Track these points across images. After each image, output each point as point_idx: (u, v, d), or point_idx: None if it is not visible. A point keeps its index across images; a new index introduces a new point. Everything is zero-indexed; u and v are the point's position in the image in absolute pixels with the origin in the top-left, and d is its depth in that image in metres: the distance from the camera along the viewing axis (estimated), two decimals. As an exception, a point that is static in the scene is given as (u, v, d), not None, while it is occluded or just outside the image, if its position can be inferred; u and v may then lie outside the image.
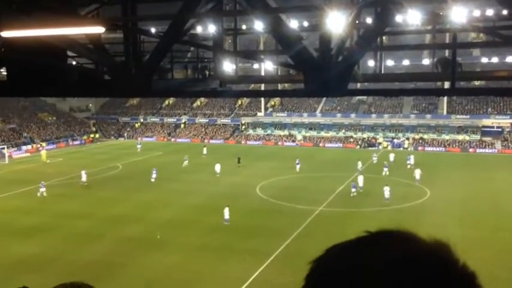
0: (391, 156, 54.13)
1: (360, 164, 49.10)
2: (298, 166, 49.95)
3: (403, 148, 66.91)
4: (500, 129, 68.08)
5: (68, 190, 42.24)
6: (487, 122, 69.20)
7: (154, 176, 45.68)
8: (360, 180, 40.90)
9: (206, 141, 76.70)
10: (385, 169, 47.57)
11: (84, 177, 44.77)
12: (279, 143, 74.17)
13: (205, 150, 61.56)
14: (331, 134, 74.84)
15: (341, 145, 71.26)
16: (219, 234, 29.79)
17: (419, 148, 67.01)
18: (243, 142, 76.16)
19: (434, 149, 66.73)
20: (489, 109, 71.98)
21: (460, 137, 68.72)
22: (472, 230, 29.41)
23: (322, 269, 0.88)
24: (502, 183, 43.19)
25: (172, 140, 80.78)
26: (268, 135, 77.62)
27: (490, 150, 64.47)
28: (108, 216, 34.24)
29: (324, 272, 0.86)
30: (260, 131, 78.98)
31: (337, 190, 41.10)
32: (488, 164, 54.68)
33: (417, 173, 44.09)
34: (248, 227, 31.09)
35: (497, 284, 21.92)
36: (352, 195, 38.67)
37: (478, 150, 64.67)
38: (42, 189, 40.15)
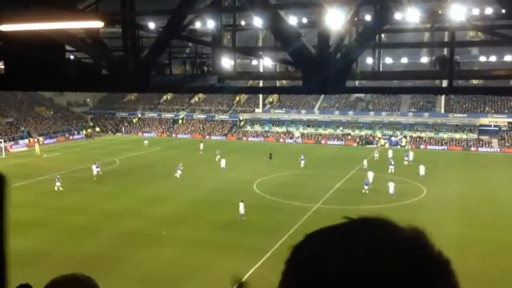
0: (390, 153, 54.47)
1: (365, 161, 49.63)
2: (302, 162, 50.45)
3: (401, 146, 66.91)
4: (497, 128, 68.23)
5: (64, 185, 42.13)
6: (484, 120, 69.30)
7: (179, 172, 45.39)
8: (370, 176, 41.20)
9: (207, 137, 76.45)
10: (391, 167, 47.96)
11: (95, 171, 45.07)
12: (280, 140, 74.12)
13: (201, 146, 61.40)
14: (328, 131, 74.79)
15: (342, 142, 71.26)
16: (216, 230, 29.81)
17: (422, 146, 66.99)
18: (244, 138, 76.07)
19: (435, 147, 66.73)
20: (487, 108, 72.05)
21: (458, 135, 68.77)
22: (468, 229, 29.49)
23: (301, 256, 0.89)
24: (499, 182, 43.26)
25: (173, 135, 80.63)
26: (266, 131, 77.57)
27: (492, 150, 64.40)
28: (105, 210, 34.20)
29: (303, 260, 0.87)
30: (258, 128, 78.92)
31: (335, 187, 41.16)
32: (486, 162, 54.73)
33: (421, 169, 44.79)
34: (245, 223, 31.12)
35: (490, 283, 22.03)
36: (364, 191, 38.77)
37: (479, 150, 64.64)
38: (58, 183, 40.19)
